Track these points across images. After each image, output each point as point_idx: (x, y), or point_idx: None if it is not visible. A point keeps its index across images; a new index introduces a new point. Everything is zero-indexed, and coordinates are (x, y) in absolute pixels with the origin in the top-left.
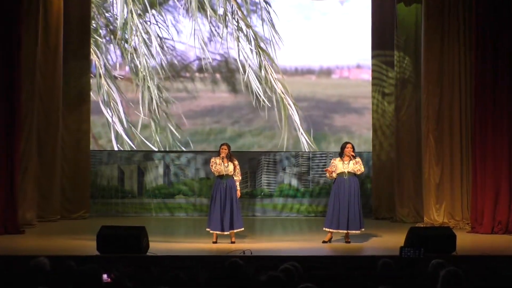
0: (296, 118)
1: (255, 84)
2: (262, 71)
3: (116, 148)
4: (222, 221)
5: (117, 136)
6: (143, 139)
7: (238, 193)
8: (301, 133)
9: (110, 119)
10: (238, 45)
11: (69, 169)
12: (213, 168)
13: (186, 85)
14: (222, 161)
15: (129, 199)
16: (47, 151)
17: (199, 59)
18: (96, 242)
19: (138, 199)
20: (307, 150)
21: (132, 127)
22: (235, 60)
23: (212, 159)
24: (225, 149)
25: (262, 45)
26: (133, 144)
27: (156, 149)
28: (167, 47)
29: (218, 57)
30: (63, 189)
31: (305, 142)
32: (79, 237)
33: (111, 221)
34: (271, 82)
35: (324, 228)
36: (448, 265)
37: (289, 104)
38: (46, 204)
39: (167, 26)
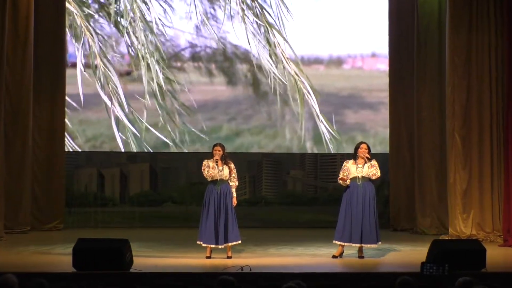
0: (314, 103)
1: (268, 66)
2: (265, 55)
3: (117, 137)
4: (216, 233)
5: (118, 123)
6: (148, 126)
7: (234, 200)
8: (321, 121)
9: (109, 104)
10: (244, 20)
11: (41, 173)
12: (206, 172)
13: (177, 76)
14: (216, 164)
15: (110, 207)
16: (16, 152)
17: (191, 45)
18: (72, 257)
19: (120, 208)
20: (327, 139)
21: (135, 113)
22: (234, 46)
23: (204, 162)
24: (219, 150)
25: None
26: (137, 131)
27: (152, 147)
28: (157, 30)
29: (213, 44)
30: (34, 196)
31: (325, 131)
32: (52, 252)
33: (90, 233)
34: (282, 62)
35: (334, 241)
36: (477, 283)
37: (305, 88)
38: (15, 214)
39: (157, 5)
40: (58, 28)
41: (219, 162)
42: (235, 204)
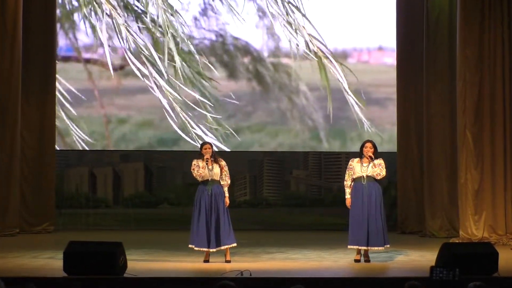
0: (340, 76)
1: (286, 34)
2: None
3: (164, 102)
4: (208, 236)
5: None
6: (189, 89)
7: (227, 201)
8: (349, 94)
9: (146, 71)
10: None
11: (30, 173)
12: (195, 172)
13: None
14: (206, 163)
15: (102, 209)
16: (4, 151)
17: (189, 37)
18: (63, 261)
19: (113, 209)
20: (358, 113)
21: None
22: (235, 39)
23: (194, 162)
24: (209, 148)
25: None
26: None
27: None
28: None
29: (213, 36)
30: (23, 197)
31: (355, 105)
32: (42, 255)
33: (81, 235)
34: (304, 38)
35: (348, 246)
36: None
37: (330, 62)
38: (3, 216)
39: None
40: (48, 21)
41: (210, 161)
42: (227, 205)
